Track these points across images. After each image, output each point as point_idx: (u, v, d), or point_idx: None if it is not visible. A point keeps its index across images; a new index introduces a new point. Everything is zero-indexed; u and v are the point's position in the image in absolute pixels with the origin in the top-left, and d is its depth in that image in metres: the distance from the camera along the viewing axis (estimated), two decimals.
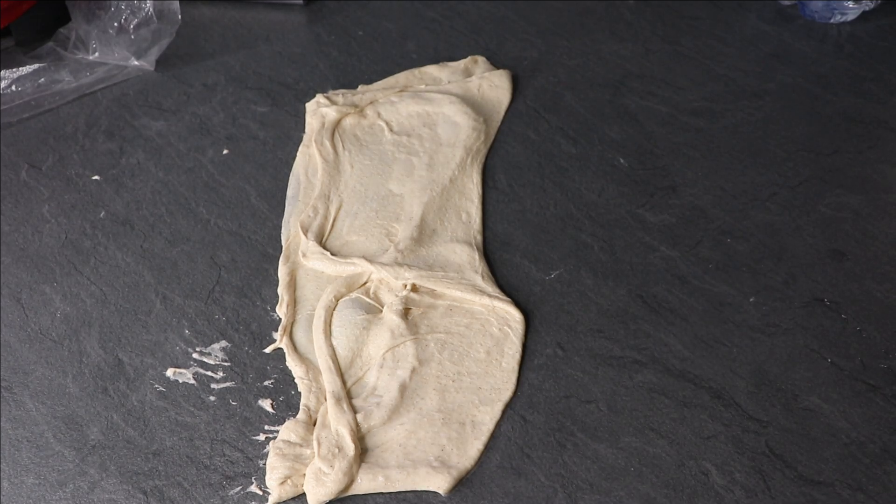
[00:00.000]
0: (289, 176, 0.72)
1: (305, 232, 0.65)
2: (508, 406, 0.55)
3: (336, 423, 0.53)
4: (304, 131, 0.76)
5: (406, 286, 0.61)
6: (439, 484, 0.50)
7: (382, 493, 0.51)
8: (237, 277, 0.64)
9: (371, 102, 0.77)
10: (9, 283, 0.65)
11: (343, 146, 0.73)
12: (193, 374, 0.58)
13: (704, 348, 0.57)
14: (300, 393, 0.56)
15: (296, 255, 0.64)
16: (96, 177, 0.73)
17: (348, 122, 0.75)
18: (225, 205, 0.70)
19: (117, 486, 0.52)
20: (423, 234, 0.65)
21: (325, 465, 0.50)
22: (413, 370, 0.56)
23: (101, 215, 0.70)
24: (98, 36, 0.83)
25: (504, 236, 0.66)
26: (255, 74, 0.84)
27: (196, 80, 0.83)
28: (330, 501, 0.50)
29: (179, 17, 0.84)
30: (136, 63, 0.84)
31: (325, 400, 0.55)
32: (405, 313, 0.59)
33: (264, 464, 0.52)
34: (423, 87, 0.80)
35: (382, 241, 0.65)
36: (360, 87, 0.80)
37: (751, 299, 0.60)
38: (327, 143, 0.73)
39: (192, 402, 0.56)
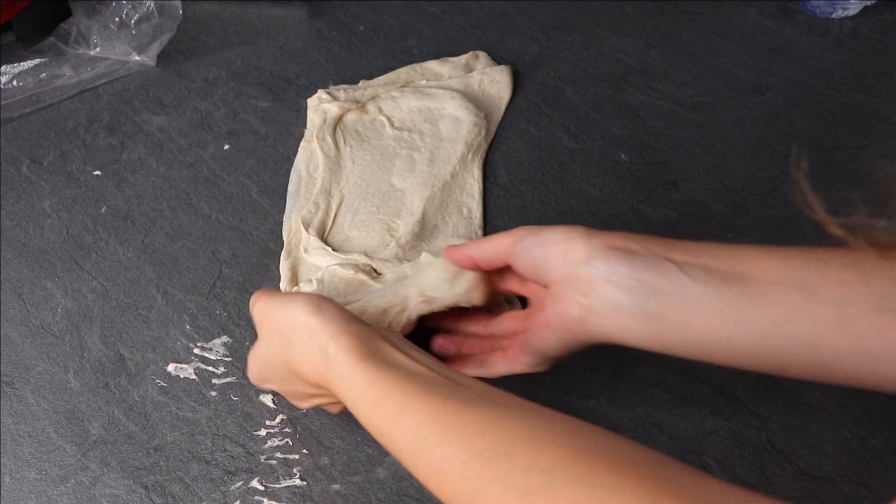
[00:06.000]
0: (290, 171, 0.72)
1: (307, 227, 0.65)
2: None
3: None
4: (305, 127, 0.76)
5: None
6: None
7: (383, 489, 0.51)
8: (238, 272, 0.64)
9: (372, 98, 0.77)
10: (10, 279, 0.65)
11: (344, 141, 0.73)
12: (195, 369, 0.58)
13: None
14: None
15: (297, 251, 0.64)
16: (97, 172, 0.73)
17: (350, 117, 0.75)
18: (226, 200, 0.70)
19: (118, 480, 0.52)
20: (424, 229, 0.65)
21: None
22: None
23: (103, 210, 0.70)
24: (99, 31, 0.83)
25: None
26: (256, 70, 0.84)
27: (197, 76, 0.83)
28: None
29: (180, 12, 0.84)
30: (137, 58, 0.84)
31: None
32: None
33: (265, 459, 0.53)
34: (424, 82, 0.79)
35: (384, 237, 0.65)
36: (361, 82, 0.80)
37: None
38: (328, 139, 0.73)
39: (193, 397, 0.56)
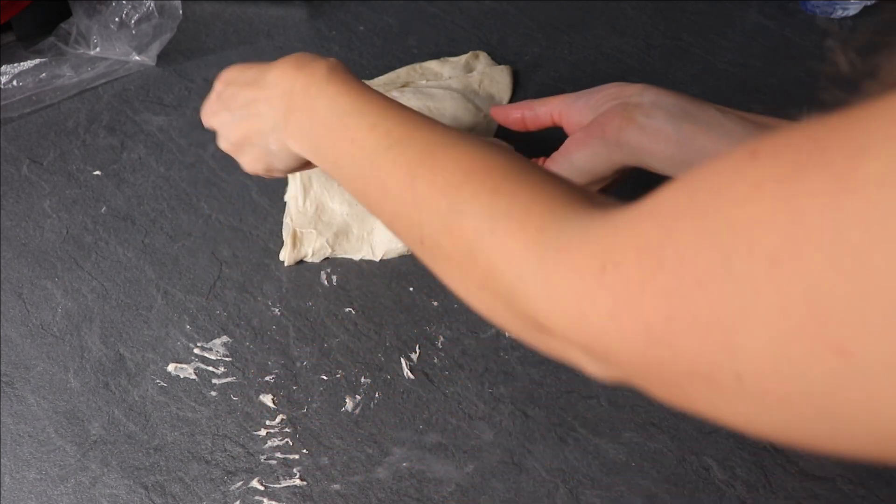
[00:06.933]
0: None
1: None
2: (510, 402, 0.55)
3: None
4: None
5: None
6: None
7: (383, 489, 0.51)
8: (238, 273, 0.64)
9: None
10: (10, 279, 0.65)
11: None
12: (194, 369, 0.58)
13: None
14: (301, 388, 0.56)
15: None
16: (97, 172, 0.73)
17: None
18: (226, 200, 0.70)
19: (118, 480, 0.52)
20: None
21: None
22: None
23: (103, 210, 0.70)
24: (99, 31, 0.83)
25: None
26: None
27: (197, 76, 0.83)
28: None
29: (180, 12, 0.84)
30: (137, 58, 0.84)
31: None
32: None
33: (266, 459, 0.53)
34: (424, 82, 0.79)
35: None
36: None
37: None
38: None
39: (193, 397, 0.56)
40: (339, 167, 0.48)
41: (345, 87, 0.49)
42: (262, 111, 0.52)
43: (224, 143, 0.57)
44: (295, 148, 0.51)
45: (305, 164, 0.54)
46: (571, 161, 0.53)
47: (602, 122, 0.52)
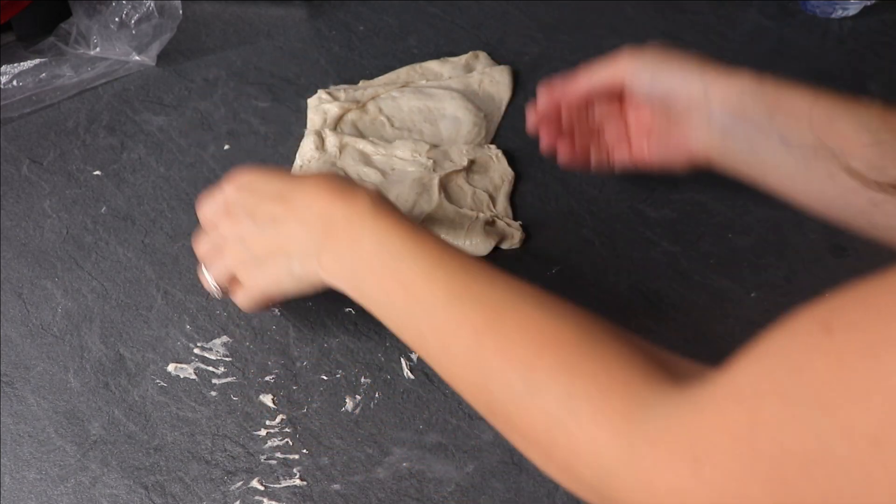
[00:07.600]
0: (290, 172, 0.72)
1: None
2: None
3: None
4: (305, 126, 0.76)
5: None
6: None
7: (383, 489, 0.51)
8: None
9: (372, 98, 0.77)
10: (10, 279, 0.65)
11: None
12: (195, 369, 0.58)
13: (705, 343, 0.57)
14: (301, 388, 0.56)
15: None
16: (97, 172, 0.73)
17: (350, 117, 0.75)
18: None
19: (118, 480, 0.52)
20: None
21: None
22: None
23: (103, 210, 0.70)
24: (99, 31, 0.83)
25: None
26: (256, 70, 0.84)
27: (197, 76, 0.83)
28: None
29: (180, 12, 0.84)
30: (137, 58, 0.84)
31: None
32: None
33: (266, 459, 0.53)
34: (424, 82, 0.79)
35: None
36: (361, 82, 0.80)
37: (752, 294, 0.60)
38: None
39: (193, 397, 0.56)
40: (387, 310, 0.46)
41: (391, 225, 0.46)
42: (294, 233, 0.49)
43: (241, 254, 0.52)
44: (328, 279, 0.49)
45: (311, 293, 0.52)
46: (666, 160, 0.60)
47: (689, 139, 0.57)
